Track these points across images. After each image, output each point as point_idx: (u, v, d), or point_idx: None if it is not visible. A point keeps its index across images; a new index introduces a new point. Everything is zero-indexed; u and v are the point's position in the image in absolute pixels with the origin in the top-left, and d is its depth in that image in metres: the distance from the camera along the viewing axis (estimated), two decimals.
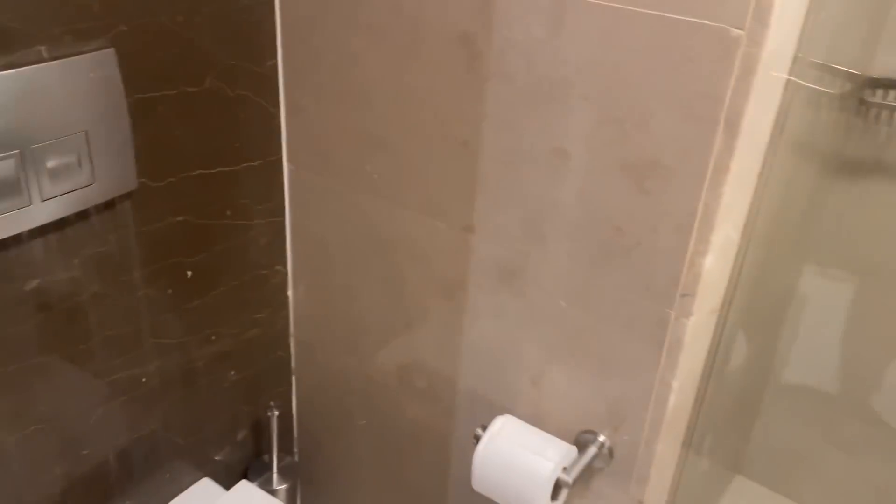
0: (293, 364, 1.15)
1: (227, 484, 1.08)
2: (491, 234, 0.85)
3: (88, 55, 0.72)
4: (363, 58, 0.85)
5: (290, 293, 1.08)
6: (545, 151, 0.77)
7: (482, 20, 0.75)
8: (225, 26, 0.84)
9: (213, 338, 1.00)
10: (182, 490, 1.05)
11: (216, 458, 1.10)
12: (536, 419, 0.90)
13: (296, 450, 1.23)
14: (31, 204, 0.71)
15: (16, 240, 0.73)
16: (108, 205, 0.80)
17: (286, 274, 1.06)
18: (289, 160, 0.98)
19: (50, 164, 0.71)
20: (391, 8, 0.80)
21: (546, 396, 0.89)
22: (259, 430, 1.15)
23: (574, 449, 0.85)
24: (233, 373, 1.06)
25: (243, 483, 1.07)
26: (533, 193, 0.79)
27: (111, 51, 0.74)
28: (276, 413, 1.09)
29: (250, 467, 1.15)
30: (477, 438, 0.88)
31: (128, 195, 0.81)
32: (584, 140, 0.74)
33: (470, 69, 0.78)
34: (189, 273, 0.92)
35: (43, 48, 0.69)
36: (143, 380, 0.93)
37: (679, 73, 0.66)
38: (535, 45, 0.73)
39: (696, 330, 0.77)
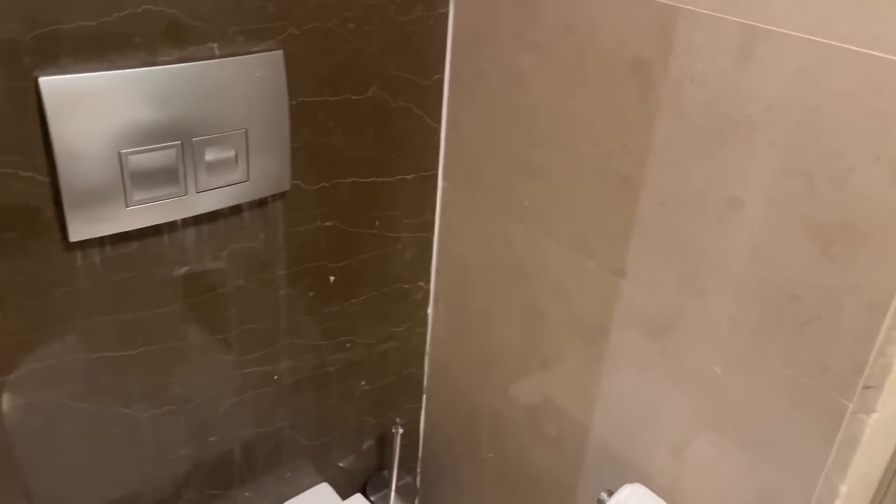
0: (425, 383, 1.12)
1: (345, 493, 1.08)
2: (643, 281, 0.76)
3: (257, 55, 0.73)
4: (528, 78, 0.81)
5: (429, 311, 1.06)
6: (716, 198, 0.68)
7: (660, 46, 0.67)
8: (395, 37, 0.83)
9: (348, 345, 0.99)
10: (300, 491, 1.05)
11: (339, 464, 1.09)
12: (671, 495, 0.80)
13: (418, 471, 1.20)
14: (186, 194, 0.74)
15: (170, 226, 0.76)
16: (261, 203, 0.81)
17: (428, 291, 1.04)
18: (444, 177, 0.96)
19: (209, 157, 0.74)
20: (563, 27, 0.75)
21: (686, 471, 0.79)
22: (384, 444, 1.14)
23: None
24: (363, 382, 1.05)
25: (358, 497, 1.05)
26: (696, 243, 0.70)
27: (280, 53, 0.75)
28: (402, 430, 1.06)
29: (369, 481, 1.13)
30: None
31: (280, 195, 0.82)
32: (764, 190, 0.64)
33: (641, 99, 0.71)
34: (332, 278, 0.92)
35: (215, 45, 0.71)
36: (276, 377, 0.94)
37: (891, 126, 0.54)
38: (717, 78, 0.64)
39: (879, 429, 0.64)
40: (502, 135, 0.86)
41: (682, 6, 0.65)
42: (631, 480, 0.81)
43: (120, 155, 0.68)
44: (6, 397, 0.73)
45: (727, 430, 0.74)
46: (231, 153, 0.75)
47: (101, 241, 0.72)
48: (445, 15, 0.86)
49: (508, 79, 0.83)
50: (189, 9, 0.68)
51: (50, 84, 0.63)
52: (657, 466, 0.82)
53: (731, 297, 0.69)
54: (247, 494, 1.00)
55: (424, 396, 1.14)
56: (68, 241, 0.69)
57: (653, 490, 0.80)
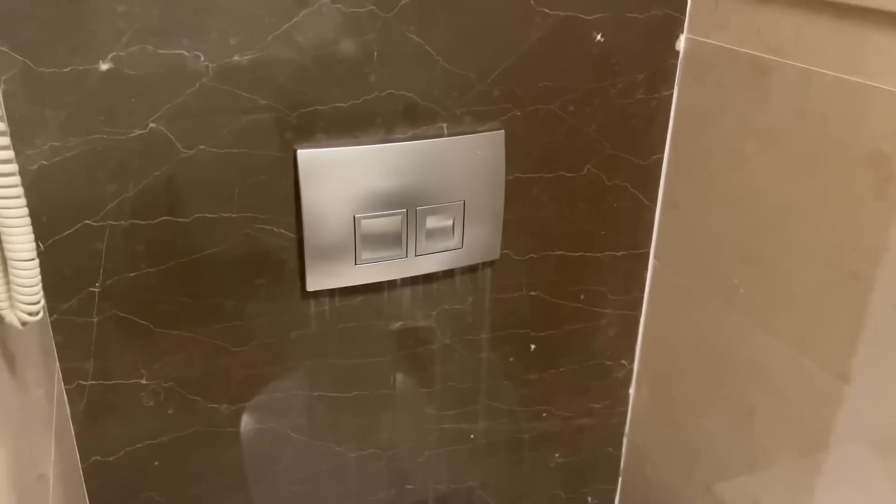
0: (622, 465, 1.09)
1: None
2: (871, 390, 0.69)
3: (480, 134, 0.79)
4: (752, 162, 0.78)
5: (631, 391, 1.03)
6: None
7: None
8: (614, 118, 0.85)
9: (545, 415, 1.00)
10: None
11: None
12: None
13: None
14: (407, 256, 0.81)
15: (390, 284, 0.83)
16: (471, 269, 0.86)
17: (631, 370, 1.02)
18: (655, 256, 0.95)
19: (429, 225, 0.80)
20: (794, 114, 0.72)
21: None
22: None
23: None
24: (557, 455, 1.04)
25: None
26: None
27: (501, 133, 0.80)
28: None
29: None
30: None
31: (490, 263, 0.87)
32: None
33: (878, 193, 0.66)
34: (532, 346, 0.95)
35: (444, 125, 0.78)
36: (472, 436, 0.97)
37: None
38: None
39: None
40: (720, 218, 0.84)
41: None
42: None
43: (354, 218, 0.77)
44: (244, 420, 0.84)
45: None
46: (449, 222, 0.81)
47: (331, 293, 0.81)
48: (669, 98, 0.87)
49: (730, 162, 0.81)
50: (425, 93, 0.76)
51: (305, 155, 0.73)
52: None
53: None
54: None
55: (620, 479, 1.10)
56: (306, 291, 0.79)
57: None
